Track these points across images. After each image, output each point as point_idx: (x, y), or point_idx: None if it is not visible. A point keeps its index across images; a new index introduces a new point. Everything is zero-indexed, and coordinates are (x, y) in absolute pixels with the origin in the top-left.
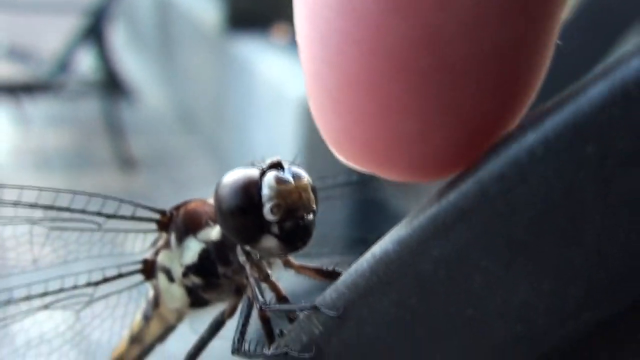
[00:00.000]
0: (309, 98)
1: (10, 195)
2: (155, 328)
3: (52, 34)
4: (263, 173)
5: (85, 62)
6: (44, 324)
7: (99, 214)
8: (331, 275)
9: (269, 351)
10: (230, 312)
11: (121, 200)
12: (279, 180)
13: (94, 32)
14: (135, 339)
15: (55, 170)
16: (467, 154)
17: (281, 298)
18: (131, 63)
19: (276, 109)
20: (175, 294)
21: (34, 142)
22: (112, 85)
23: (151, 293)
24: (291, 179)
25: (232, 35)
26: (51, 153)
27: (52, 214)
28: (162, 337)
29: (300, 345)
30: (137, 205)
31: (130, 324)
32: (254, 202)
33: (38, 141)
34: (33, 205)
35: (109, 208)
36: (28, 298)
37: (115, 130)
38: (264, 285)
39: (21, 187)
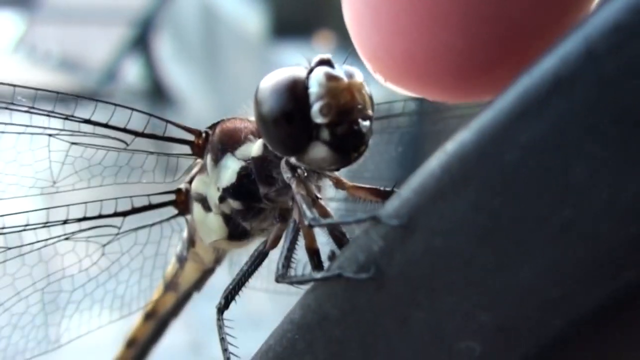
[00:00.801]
0: (345, 10)
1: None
2: (191, 271)
3: (100, 44)
4: (311, 70)
5: (132, 72)
6: (65, 257)
7: (125, 130)
8: (390, 196)
9: (319, 274)
10: (273, 243)
11: (151, 115)
12: (330, 77)
13: (141, 42)
14: (169, 285)
15: (104, 178)
16: (517, 68)
17: None
18: (176, 72)
19: None
20: (212, 225)
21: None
22: (158, 94)
23: (186, 232)
24: (344, 76)
25: (276, 43)
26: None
27: (72, 125)
28: (198, 283)
29: (356, 265)
30: (169, 122)
31: (164, 269)
32: (300, 103)
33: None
34: (50, 113)
35: (137, 124)
36: (46, 225)
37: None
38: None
39: (36, 89)
